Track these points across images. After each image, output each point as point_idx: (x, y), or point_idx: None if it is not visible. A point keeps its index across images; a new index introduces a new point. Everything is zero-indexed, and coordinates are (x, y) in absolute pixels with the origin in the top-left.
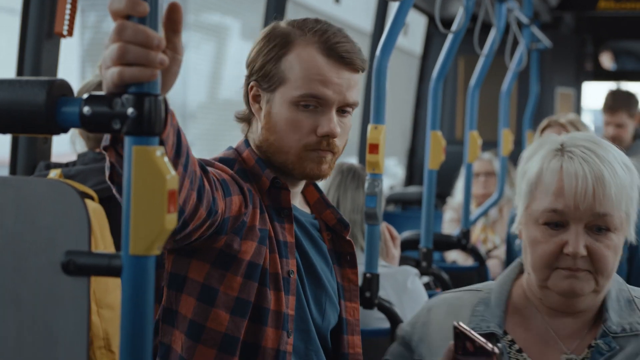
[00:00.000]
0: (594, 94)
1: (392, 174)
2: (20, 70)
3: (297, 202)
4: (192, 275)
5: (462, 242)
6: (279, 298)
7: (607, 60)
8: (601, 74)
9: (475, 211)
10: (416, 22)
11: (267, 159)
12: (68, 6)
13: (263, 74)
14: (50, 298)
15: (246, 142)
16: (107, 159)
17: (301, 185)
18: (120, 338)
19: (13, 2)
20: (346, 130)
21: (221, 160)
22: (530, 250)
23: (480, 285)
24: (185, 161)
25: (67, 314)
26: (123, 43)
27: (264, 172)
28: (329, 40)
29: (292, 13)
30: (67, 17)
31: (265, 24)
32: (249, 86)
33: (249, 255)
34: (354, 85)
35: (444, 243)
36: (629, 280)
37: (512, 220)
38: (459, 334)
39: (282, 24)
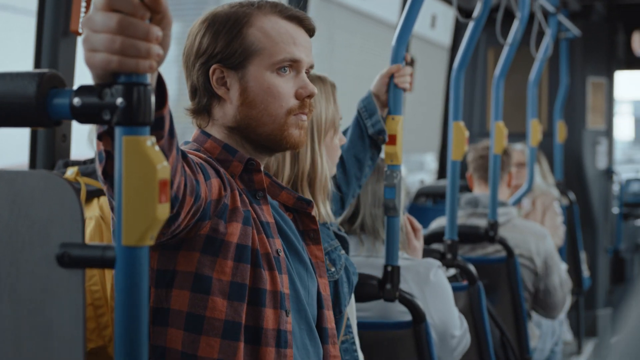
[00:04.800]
0: (631, 84)
1: (431, 169)
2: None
3: None
4: (182, 268)
5: (489, 233)
6: (274, 277)
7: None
8: (634, 62)
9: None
10: (446, 15)
11: (242, 140)
12: (83, 4)
13: (228, 53)
14: (46, 290)
15: (204, 133)
16: (102, 148)
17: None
18: (115, 329)
19: (27, 3)
20: None
21: None
22: None
23: None
24: (177, 142)
25: (63, 306)
26: (125, 37)
27: (234, 156)
28: (285, 8)
29: (315, 7)
30: (82, 14)
31: None
32: (210, 71)
33: (236, 237)
34: (311, 48)
35: (470, 235)
36: None
37: None
38: None
39: (221, 8)
